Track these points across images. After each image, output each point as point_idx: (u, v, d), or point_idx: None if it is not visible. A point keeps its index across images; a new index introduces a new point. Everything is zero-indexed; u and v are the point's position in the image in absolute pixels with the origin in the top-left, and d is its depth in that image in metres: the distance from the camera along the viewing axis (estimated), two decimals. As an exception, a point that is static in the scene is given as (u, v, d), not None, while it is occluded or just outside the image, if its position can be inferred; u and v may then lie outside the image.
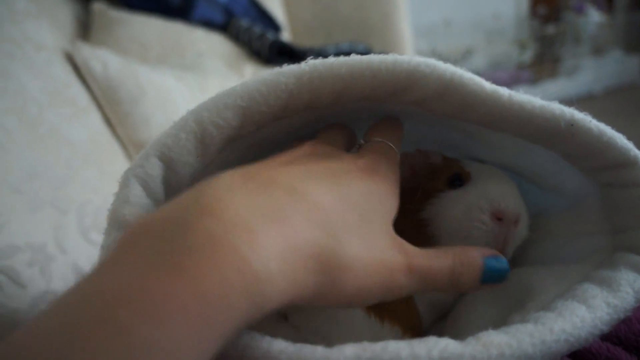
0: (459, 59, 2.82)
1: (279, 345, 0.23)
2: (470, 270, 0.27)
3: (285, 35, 1.78)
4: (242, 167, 0.24)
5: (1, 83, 0.66)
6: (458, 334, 0.30)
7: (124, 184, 0.27)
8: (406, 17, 1.86)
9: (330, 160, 0.27)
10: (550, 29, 2.94)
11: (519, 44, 2.96)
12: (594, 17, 2.90)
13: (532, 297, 0.29)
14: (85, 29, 1.20)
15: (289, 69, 0.29)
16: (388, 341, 0.23)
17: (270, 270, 0.20)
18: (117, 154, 0.85)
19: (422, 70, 0.28)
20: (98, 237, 0.70)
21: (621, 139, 0.28)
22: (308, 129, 0.34)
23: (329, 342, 0.28)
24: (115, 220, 0.26)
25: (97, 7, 1.20)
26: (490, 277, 0.28)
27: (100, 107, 0.89)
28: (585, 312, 0.25)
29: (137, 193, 0.27)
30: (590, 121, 0.28)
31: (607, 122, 0.29)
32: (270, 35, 1.46)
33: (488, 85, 0.28)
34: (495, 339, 0.23)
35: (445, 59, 0.29)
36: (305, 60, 0.29)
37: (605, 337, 0.30)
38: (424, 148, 0.37)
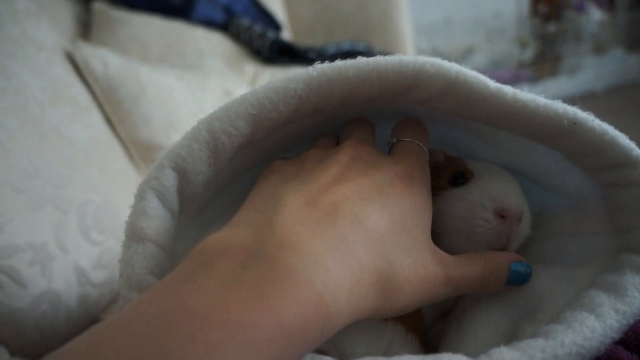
0: (460, 58, 2.82)
1: None
2: (498, 276, 0.29)
3: (286, 34, 1.78)
4: (297, 184, 0.26)
5: (2, 82, 0.66)
6: (462, 337, 0.30)
7: (141, 196, 0.28)
8: (407, 15, 1.86)
9: (373, 168, 0.28)
10: (551, 28, 2.93)
11: (519, 42, 2.96)
12: (595, 15, 2.90)
13: (541, 307, 0.29)
14: (86, 29, 1.20)
15: (297, 75, 0.29)
16: (403, 356, 0.24)
17: (339, 304, 0.22)
18: (117, 153, 0.85)
19: (427, 70, 0.28)
20: (98, 237, 0.70)
21: (623, 139, 0.28)
22: (315, 131, 0.34)
23: (332, 342, 0.28)
24: (134, 234, 0.27)
25: (98, 7, 1.20)
26: (514, 281, 0.30)
27: (101, 106, 0.90)
28: (595, 322, 0.25)
29: (154, 205, 0.27)
30: (593, 120, 0.28)
31: (609, 121, 0.29)
32: (270, 34, 1.46)
33: (492, 84, 0.28)
34: (507, 356, 0.24)
35: (446, 58, 0.29)
36: (313, 65, 0.29)
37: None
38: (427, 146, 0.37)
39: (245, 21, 1.49)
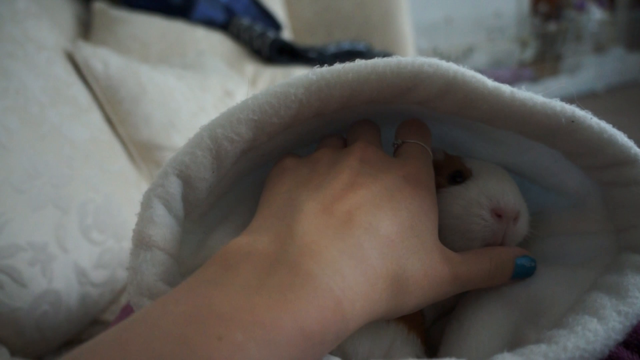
0: (460, 57, 2.82)
1: None
2: (504, 271, 0.30)
3: (286, 34, 1.78)
4: (313, 190, 0.27)
5: (2, 82, 0.66)
6: (463, 337, 0.30)
7: (147, 204, 0.28)
8: (407, 15, 1.86)
9: (382, 172, 0.29)
10: (552, 27, 2.93)
11: (520, 41, 2.96)
12: (596, 14, 2.90)
13: (544, 311, 0.29)
14: (86, 28, 1.21)
15: (297, 80, 0.29)
16: (406, 359, 0.25)
17: (355, 309, 0.23)
18: (118, 153, 0.85)
19: (425, 71, 0.28)
20: (99, 237, 0.70)
21: (622, 137, 0.28)
22: (317, 134, 0.35)
23: None
24: (142, 241, 0.27)
25: (98, 7, 1.20)
26: (519, 275, 0.31)
27: (101, 106, 0.90)
28: (597, 325, 0.25)
29: (161, 213, 0.28)
30: (591, 118, 0.28)
31: (609, 120, 0.29)
32: (271, 34, 1.46)
33: (490, 83, 0.28)
34: None
35: (447, 57, 0.29)
36: (312, 69, 0.29)
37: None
38: None
39: (245, 21, 1.49)
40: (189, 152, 0.28)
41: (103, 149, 0.80)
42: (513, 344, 0.28)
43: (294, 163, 0.31)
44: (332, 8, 1.84)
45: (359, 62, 0.29)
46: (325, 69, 0.29)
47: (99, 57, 0.89)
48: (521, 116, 0.28)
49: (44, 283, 0.60)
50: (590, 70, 2.94)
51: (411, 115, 0.34)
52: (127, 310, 0.54)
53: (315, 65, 0.29)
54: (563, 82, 2.85)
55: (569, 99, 0.29)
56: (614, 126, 0.28)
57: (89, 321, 0.69)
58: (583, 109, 0.28)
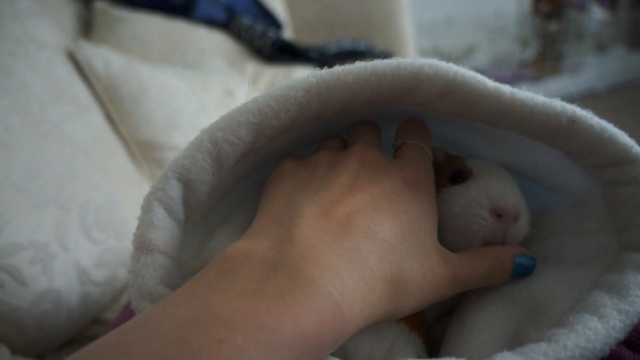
0: (461, 57, 2.82)
1: None
2: (503, 270, 0.31)
3: (287, 33, 1.78)
4: (312, 194, 0.27)
5: (4, 81, 0.66)
6: (465, 337, 0.30)
7: (147, 208, 0.28)
8: (408, 14, 1.86)
9: (381, 175, 0.29)
10: (553, 26, 2.93)
11: (521, 41, 2.96)
12: (597, 14, 2.89)
13: (545, 311, 0.29)
14: (87, 27, 1.21)
15: (296, 82, 0.29)
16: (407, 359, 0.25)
17: (354, 312, 0.23)
18: (119, 152, 0.85)
19: (425, 72, 0.28)
20: (100, 235, 0.70)
21: (623, 136, 0.28)
22: (317, 136, 0.35)
23: None
24: (143, 245, 0.27)
25: (99, 6, 1.20)
26: (519, 273, 0.31)
27: (102, 105, 0.90)
28: (598, 324, 0.25)
29: (161, 216, 0.28)
30: (592, 118, 0.28)
31: (610, 120, 0.29)
32: (272, 34, 1.46)
33: (490, 83, 0.28)
34: None
35: (447, 57, 0.29)
36: (312, 72, 0.29)
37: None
38: None
39: (246, 20, 1.49)
40: (189, 155, 0.29)
41: (104, 148, 0.80)
42: (514, 343, 0.28)
43: (293, 166, 0.31)
44: (333, 7, 1.84)
45: (359, 64, 0.29)
46: (325, 71, 0.29)
47: (100, 56, 0.90)
48: (522, 116, 0.28)
49: (44, 282, 0.60)
50: (592, 69, 2.94)
51: (412, 115, 0.34)
52: (128, 309, 0.54)
53: (317, 64, 0.29)
54: (564, 82, 2.85)
55: (570, 99, 0.29)
56: (615, 126, 0.28)
57: (90, 320, 0.69)
58: (584, 109, 0.28)
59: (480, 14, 2.88)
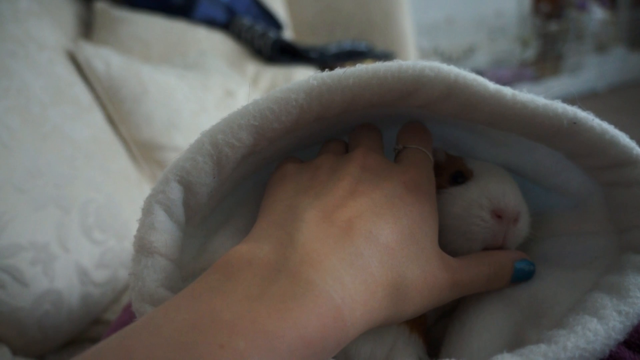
0: (462, 57, 2.82)
1: None
2: (502, 275, 0.31)
3: (288, 34, 1.78)
4: (313, 198, 0.27)
5: (4, 82, 0.66)
6: (465, 338, 0.30)
7: (148, 210, 0.28)
8: (408, 15, 1.86)
9: (382, 179, 0.29)
10: (553, 26, 2.93)
11: (521, 41, 2.96)
12: (597, 14, 2.89)
13: (545, 312, 0.29)
14: (87, 28, 1.21)
15: (297, 85, 0.29)
16: None
17: (355, 316, 0.23)
18: (119, 152, 0.86)
19: (426, 75, 0.28)
20: (100, 236, 0.70)
21: (623, 138, 0.28)
22: (318, 138, 0.35)
23: None
24: (143, 247, 0.27)
25: (100, 6, 1.20)
26: (518, 278, 0.31)
27: (102, 105, 0.90)
28: (597, 325, 0.25)
29: (162, 219, 0.28)
30: (593, 119, 0.28)
31: (611, 120, 0.29)
32: (272, 34, 1.46)
33: (492, 85, 0.28)
34: None
35: (448, 57, 0.29)
36: (313, 74, 0.29)
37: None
38: None
39: (246, 20, 1.49)
40: (190, 158, 0.29)
41: (104, 149, 0.80)
42: (514, 345, 0.28)
43: (294, 169, 0.31)
44: (333, 8, 1.84)
45: (360, 67, 0.29)
46: (326, 73, 0.29)
47: (100, 57, 0.90)
48: (523, 118, 0.28)
49: (45, 282, 0.60)
50: (592, 69, 2.94)
51: (413, 117, 0.34)
52: (129, 310, 0.54)
53: (317, 65, 0.29)
54: (564, 82, 2.85)
55: (571, 99, 0.29)
56: (615, 126, 0.28)
57: (91, 321, 0.69)
58: (585, 110, 0.28)
59: (480, 14, 2.88)
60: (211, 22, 1.44)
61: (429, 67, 0.28)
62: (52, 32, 0.84)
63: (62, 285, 0.62)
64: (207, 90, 1.08)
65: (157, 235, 0.27)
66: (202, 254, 0.31)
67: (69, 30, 1.13)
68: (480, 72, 0.29)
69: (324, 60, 1.51)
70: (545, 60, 2.96)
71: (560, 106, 0.28)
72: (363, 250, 0.25)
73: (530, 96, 0.28)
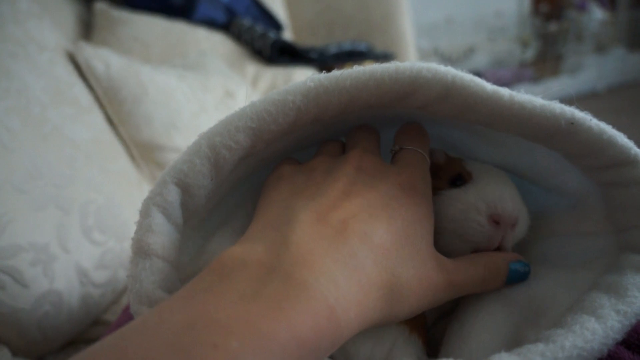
0: (461, 57, 2.82)
1: None
2: (498, 276, 0.31)
3: (287, 34, 1.78)
4: (308, 199, 0.27)
5: (4, 83, 0.66)
6: (464, 339, 0.30)
7: (145, 213, 0.28)
8: (408, 15, 1.86)
9: (378, 180, 0.29)
10: (553, 27, 2.93)
11: (521, 41, 2.96)
12: (597, 14, 2.89)
13: (544, 312, 0.29)
14: (87, 29, 1.21)
15: (295, 87, 0.29)
16: None
17: (349, 316, 0.23)
18: (119, 153, 0.86)
19: (424, 76, 0.28)
20: (100, 237, 0.70)
21: (621, 138, 0.28)
22: (316, 139, 0.35)
23: None
24: (141, 249, 0.27)
25: (100, 7, 1.21)
26: (513, 280, 0.31)
27: (102, 106, 0.90)
28: (595, 324, 0.25)
29: (159, 221, 0.28)
30: (591, 120, 0.28)
31: (610, 120, 0.29)
32: (272, 35, 1.46)
33: (489, 86, 0.28)
34: None
35: (448, 58, 0.29)
36: (310, 76, 0.29)
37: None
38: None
39: (246, 21, 1.49)
40: (187, 160, 0.29)
41: (104, 150, 0.80)
42: (513, 345, 0.28)
43: (290, 171, 0.31)
44: (333, 8, 1.84)
45: (357, 69, 0.29)
46: (323, 75, 0.29)
47: (100, 58, 0.90)
48: (520, 119, 0.28)
49: (45, 283, 0.60)
50: (591, 70, 2.94)
51: (411, 118, 0.34)
52: (129, 311, 0.54)
53: (317, 65, 0.29)
54: (564, 83, 2.85)
55: (568, 100, 0.29)
56: (614, 127, 0.28)
57: (91, 321, 0.69)
58: (582, 110, 0.28)
59: (480, 15, 2.88)
60: (211, 23, 1.44)
61: (426, 69, 0.28)
62: (52, 33, 0.84)
63: (62, 286, 0.62)
64: (207, 91, 1.08)
65: (155, 237, 0.27)
66: (200, 255, 0.31)
67: (68, 31, 1.13)
68: (478, 73, 0.29)
69: (323, 60, 1.51)
70: (545, 60, 2.96)
71: (558, 107, 0.28)
72: (357, 250, 0.25)
73: (527, 97, 0.28)
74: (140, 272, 0.26)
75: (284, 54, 1.49)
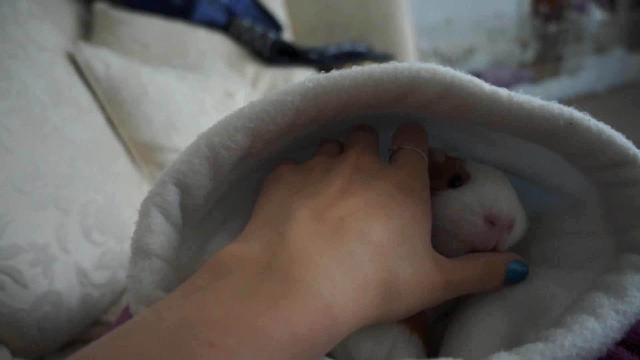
0: (461, 58, 2.82)
1: None
2: (496, 276, 0.31)
3: (287, 35, 1.78)
4: (305, 198, 0.27)
5: (4, 83, 0.66)
6: (464, 339, 0.30)
7: (145, 213, 0.28)
8: (408, 16, 1.86)
9: (375, 179, 0.29)
10: (552, 28, 2.94)
11: (520, 42, 2.96)
12: (596, 15, 2.90)
13: (543, 312, 0.29)
14: (87, 30, 1.21)
15: (293, 87, 0.29)
16: None
17: (346, 314, 0.23)
18: (119, 153, 0.86)
19: (422, 76, 0.28)
20: (100, 237, 0.70)
21: (620, 138, 0.28)
22: (314, 139, 0.35)
23: (339, 342, 0.28)
24: (140, 249, 0.27)
25: (99, 8, 1.21)
26: (512, 280, 0.31)
27: (102, 107, 0.90)
28: (595, 324, 0.25)
29: (158, 221, 0.28)
30: (589, 120, 0.28)
31: (610, 121, 0.29)
32: (271, 35, 1.46)
33: (487, 87, 0.28)
34: None
35: (447, 58, 0.29)
36: (309, 77, 0.30)
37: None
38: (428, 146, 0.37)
39: (246, 22, 1.49)
40: (187, 160, 0.29)
41: (104, 150, 0.80)
42: (512, 344, 0.28)
43: (288, 170, 0.31)
44: (333, 9, 1.84)
45: (356, 69, 0.29)
46: (322, 75, 0.29)
47: (100, 58, 0.90)
48: (519, 119, 0.28)
49: (45, 284, 0.60)
50: (591, 71, 2.94)
51: (410, 118, 0.34)
52: (128, 312, 0.54)
53: (316, 66, 0.29)
54: (564, 83, 2.85)
55: (567, 100, 0.29)
56: (613, 127, 0.28)
57: (90, 322, 0.69)
58: (581, 111, 0.28)
59: (480, 15, 2.88)
60: (211, 24, 1.44)
61: (424, 69, 0.28)
62: (52, 34, 0.84)
63: (61, 286, 0.62)
64: (206, 92, 1.08)
65: (154, 237, 0.27)
66: (200, 255, 0.31)
67: (68, 32, 1.13)
68: (478, 74, 0.29)
69: (323, 61, 1.51)
70: (545, 61, 2.96)
71: (556, 107, 0.28)
72: (354, 248, 0.25)
73: (526, 97, 0.28)
74: (139, 272, 0.27)
75: (283, 54, 1.49)
